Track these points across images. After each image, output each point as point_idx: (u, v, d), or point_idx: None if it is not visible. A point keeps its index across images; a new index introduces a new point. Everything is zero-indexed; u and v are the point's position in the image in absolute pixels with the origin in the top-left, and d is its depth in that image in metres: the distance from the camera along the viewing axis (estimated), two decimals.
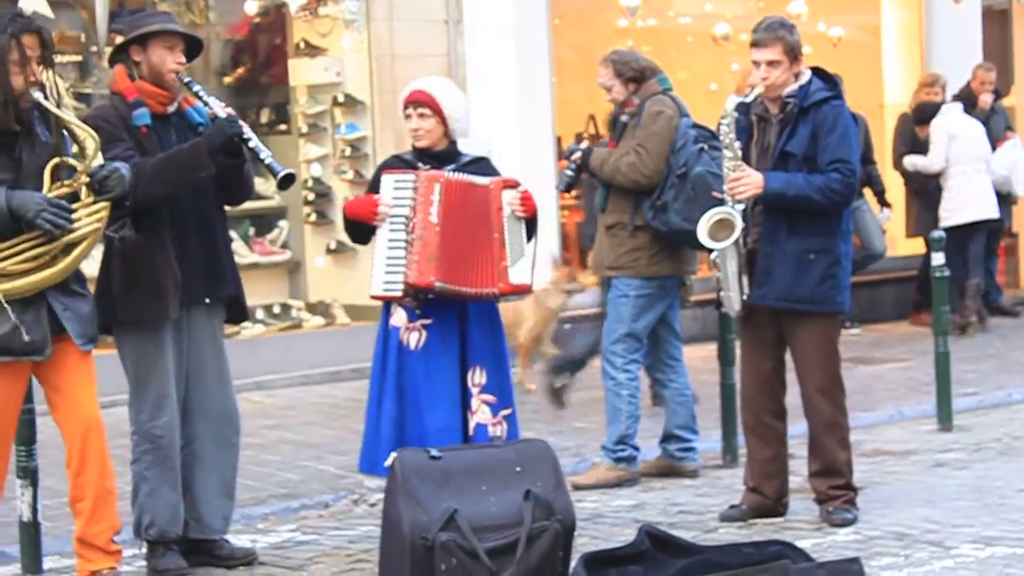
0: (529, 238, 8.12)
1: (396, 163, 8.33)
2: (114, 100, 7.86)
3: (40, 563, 7.97)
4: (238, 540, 8.15)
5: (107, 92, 8.63)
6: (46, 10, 7.86)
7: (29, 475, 7.91)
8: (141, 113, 7.71)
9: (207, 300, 7.85)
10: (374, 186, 8.26)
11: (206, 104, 7.77)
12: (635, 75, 9.52)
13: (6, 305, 7.13)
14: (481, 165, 8.30)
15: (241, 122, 7.71)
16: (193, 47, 8.02)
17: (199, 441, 7.87)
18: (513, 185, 8.15)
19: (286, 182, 7.71)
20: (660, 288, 9.50)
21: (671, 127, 9.30)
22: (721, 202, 8.39)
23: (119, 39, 8.48)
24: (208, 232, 7.79)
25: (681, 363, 9.76)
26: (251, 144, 7.69)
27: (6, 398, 7.33)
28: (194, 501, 7.89)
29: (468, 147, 8.70)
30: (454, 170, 8.10)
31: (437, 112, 8.13)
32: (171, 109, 7.80)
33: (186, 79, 7.77)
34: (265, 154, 7.70)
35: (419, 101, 8.14)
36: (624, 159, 9.34)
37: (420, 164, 8.14)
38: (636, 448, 9.54)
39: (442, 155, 8.17)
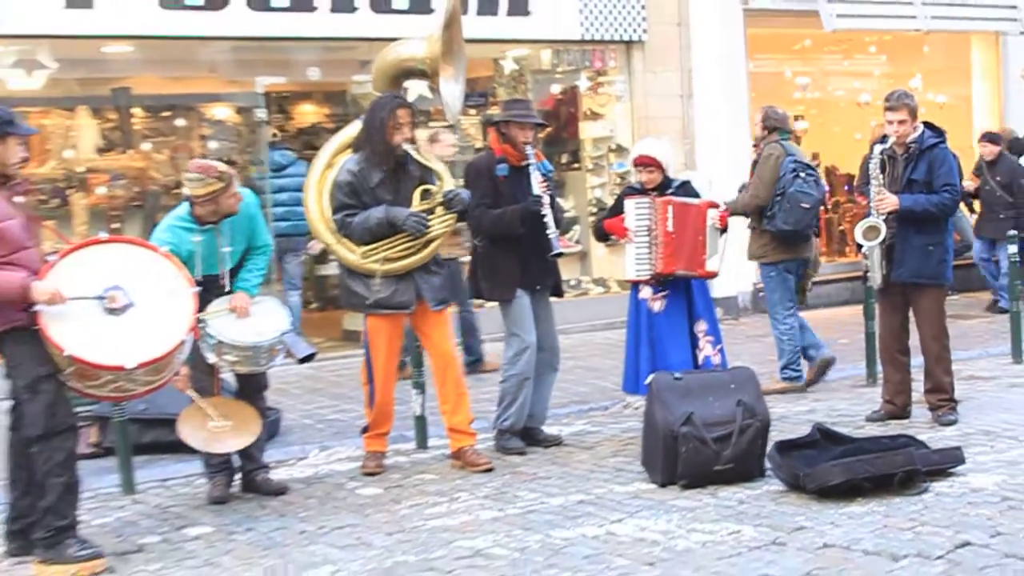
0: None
1: (632, 191, 8.41)
2: (488, 154, 8.00)
3: (426, 442, 8.24)
4: (549, 430, 8.26)
5: (463, 144, 8.74)
6: (426, 91, 8.11)
7: (419, 386, 8.17)
8: (503, 167, 7.84)
9: (538, 287, 7.97)
10: (618, 204, 8.35)
11: (540, 172, 7.79)
12: (769, 127, 9.56)
13: (379, 280, 7.46)
14: (686, 188, 8.32)
15: (543, 201, 7.68)
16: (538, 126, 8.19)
17: (538, 365, 7.96)
18: (715, 206, 8.23)
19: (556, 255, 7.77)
20: (785, 268, 9.47)
21: (776, 164, 9.29)
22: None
23: (488, 111, 8.48)
24: (539, 243, 7.76)
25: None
26: (545, 220, 7.69)
27: (391, 337, 7.59)
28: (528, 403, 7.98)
29: (694, 178, 8.79)
30: (671, 194, 8.18)
31: (657, 166, 8.25)
32: (523, 164, 7.83)
33: (529, 151, 7.79)
34: (551, 231, 7.69)
35: (644, 163, 8.25)
36: (747, 194, 9.39)
37: (649, 192, 8.23)
38: (797, 370, 9.53)
39: (660, 186, 8.25)
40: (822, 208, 12.08)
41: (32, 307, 5.88)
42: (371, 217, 7.38)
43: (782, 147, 9.39)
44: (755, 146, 9.62)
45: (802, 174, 9.24)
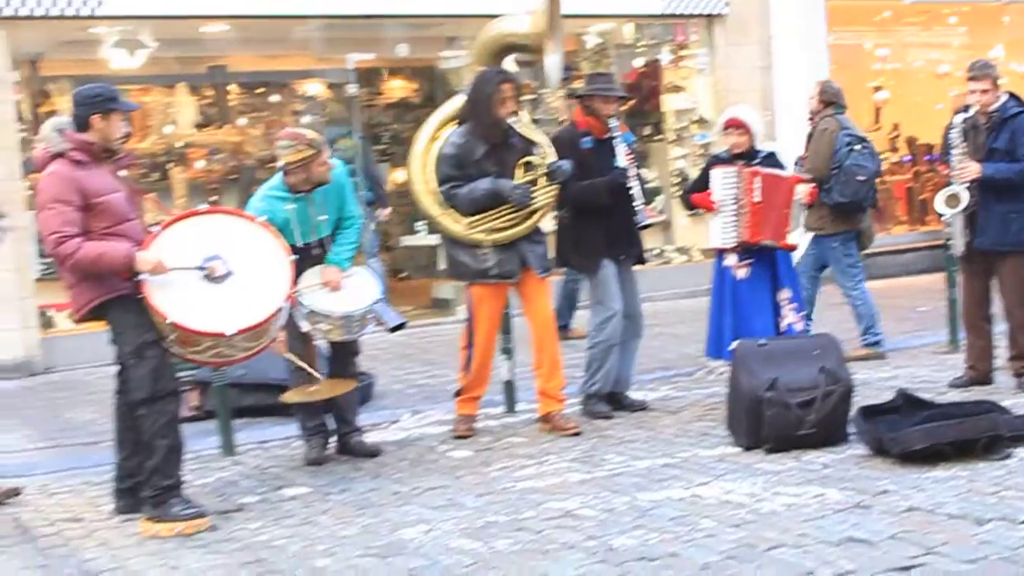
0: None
1: (717, 160, 8.29)
2: (571, 127, 7.94)
3: (515, 406, 8.21)
4: (635, 395, 8.21)
5: (546, 118, 8.70)
6: (512, 66, 8.08)
7: (508, 352, 8.15)
8: (587, 140, 7.76)
9: (622, 257, 7.89)
10: (705, 174, 8.21)
11: (625, 144, 7.75)
12: (825, 100, 9.40)
13: (487, 250, 7.46)
14: (772, 159, 8.19)
15: (629, 173, 7.65)
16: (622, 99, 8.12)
17: (623, 332, 7.89)
18: (804, 182, 8.13)
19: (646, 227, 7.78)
20: (844, 238, 9.37)
21: (832, 138, 9.15)
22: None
23: (572, 84, 8.51)
24: (624, 214, 7.73)
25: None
26: (631, 191, 7.66)
27: (494, 305, 7.60)
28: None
29: (774, 148, 8.66)
30: (757, 164, 8.04)
31: (746, 130, 8.15)
32: (607, 136, 7.76)
33: (613, 124, 7.75)
34: (638, 202, 7.65)
35: (734, 125, 8.11)
36: (803, 168, 9.18)
37: (736, 161, 8.09)
38: (877, 334, 9.37)
39: (746, 155, 8.11)
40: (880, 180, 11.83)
41: (136, 276, 5.92)
42: (477, 189, 7.36)
43: (837, 121, 9.28)
44: (810, 119, 9.49)
45: (857, 147, 9.13)
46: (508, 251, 7.50)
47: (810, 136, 9.42)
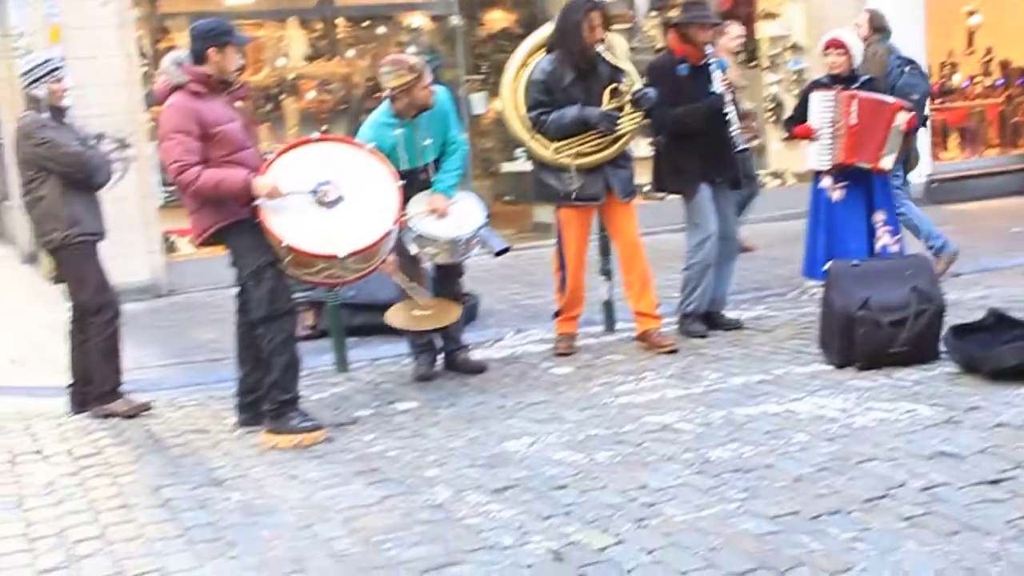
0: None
1: (817, 85, 8.19)
2: (668, 54, 7.84)
3: (614, 325, 8.25)
4: (730, 314, 8.19)
5: (642, 46, 8.60)
6: None
7: (607, 273, 8.15)
8: (683, 67, 7.68)
9: (718, 180, 7.78)
10: (804, 100, 8.13)
11: (720, 70, 7.71)
12: (874, 27, 9.22)
13: (573, 173, 7.44)
14: (871, 84, 8.08)
15: (726, 99, 7.58)
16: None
17: (719, 254, 7.85)
18: (905, 109, 7.98)
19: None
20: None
21: (884, 61, 9.01)
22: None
23: (668, 13, 8.45)
24: (720, 138, 7.68)
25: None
26: (727, 117, 7.61)
27: (581, 227, 7.60)
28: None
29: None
30: (856, 88, 7.94)
31: (846, 51, 8.03)
32: (703, 62, 7.68)
33: (709, 50, 7.68)
34: (734, 127, 7.58)
35: (836, 45, 8.01)
36: None
37: (834, 85, 8.01)
38: (938, 236, 9.27)
39: (846, 78, 8.01)
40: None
41: (253, 202, 6.02)
42: (566, 115, 7.35)
43: (886, 46, 9.18)
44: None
45: (907, 68, 9.04)
46: (593, 175, 7.50)
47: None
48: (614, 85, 7.41)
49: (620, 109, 7.41)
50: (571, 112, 7.35)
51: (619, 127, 7.40)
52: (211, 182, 5.96)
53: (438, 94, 7.08)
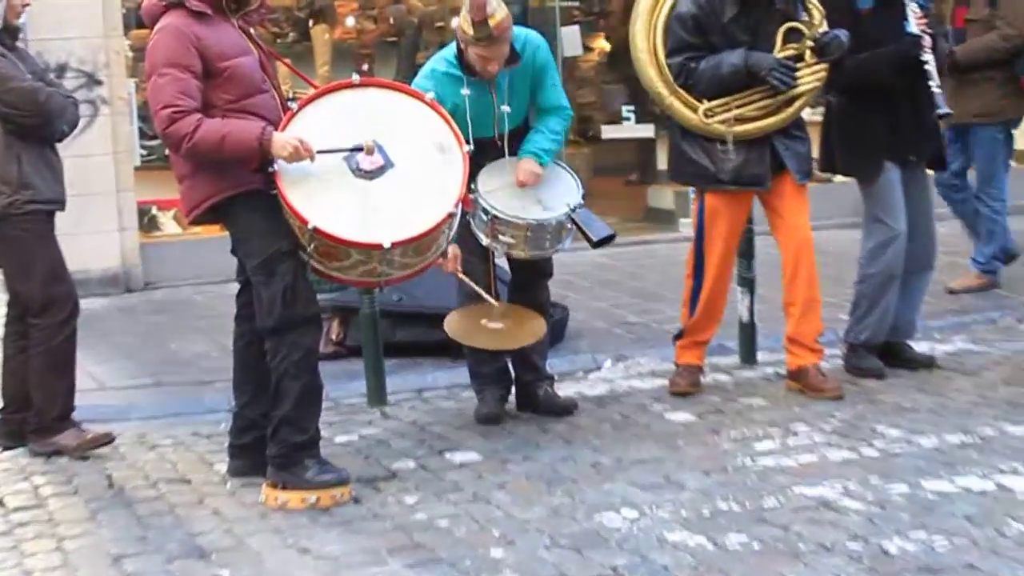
0: None
1: None
2: None
3: (754, 356, 8.22)
4: (918, 347, 8.13)
5: None
6: None
7: (748, 284, 8.13)
8: None
9: (912, 158, 7.72)
10: None
11: (918, 4, 7.60)
12: None
13: (730, 146, 7.44)
14: None
15: (923, 43, 7.51)
16: None
17: (905, 262, 7.74)
18: None
19: None
20: (1007, 127, 9.78)
21: None
22: None
23: None
24: (915, 98, 7.60)
25: None
26: (925, 67, 7.50)
27: (733, 220, 7.60)
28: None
29: None
30: None
31: None
32: None
33: None
34: (933, 82, 7.48)
35: None
36: (994, 35, 9.47)
37: None
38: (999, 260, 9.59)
39: None
40: None
41: (270, 166, 5.99)
42: (724, 63, 7.33)
43: None
44: None
45: None
46: (757, 148, 7.46)
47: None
48: (791, 24, 7.39)
49: (799, 58, 7.39)
50: (732, 59, 7.33)
51: (797, 82, 7.36)
52: (214, 136, 5.94)
53: (526, 42, 7.06)
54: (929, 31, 7.60)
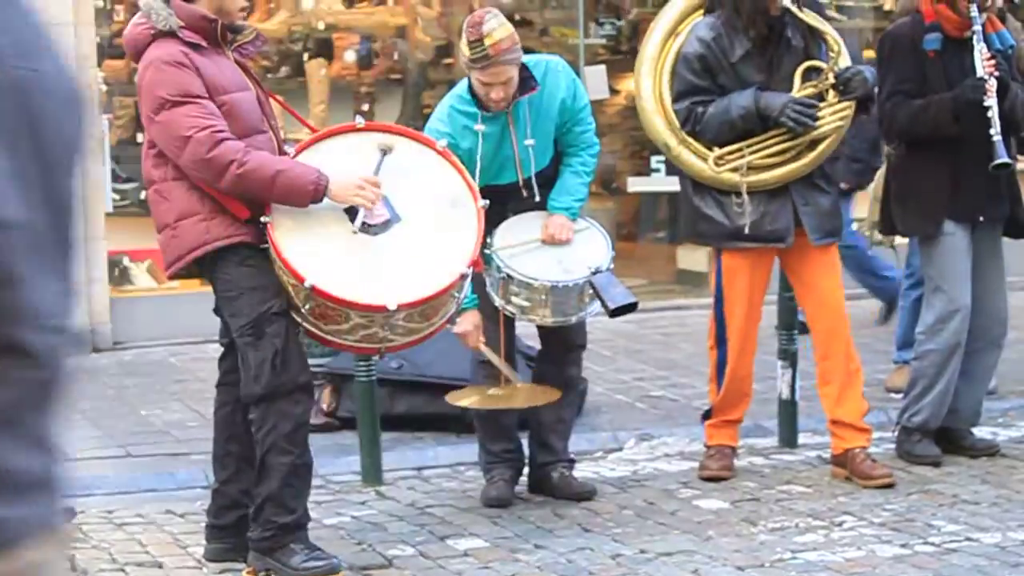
0: None
1: None
2: (914, 18, 7.80)
3: (796, 438, 8.19)
4: (980, 432, 8.10)
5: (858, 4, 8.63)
6: None
7: (789, 357, 8.08)
8: (933, 38, 7.63)
9: (980, 219, 7.70)
10: None
11: (984, 45, 7.51)
12: None
13: (744, 198, 7.39)
14: None
15: (987, 87, 7.40)
16: None
17: (970, 337, 7.72)
18: None
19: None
20: None
21: None
22: None
23: None
24: (982, 150, 7.45)
25: None
26: (988, 114, 7.39)
27: (751, 283, 7.57)
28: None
29: None
30: None
31: None
32: (967, 34, 7.55)
33: (976, 15, 7.47)
34: (994, 129, 7.34)
35: None
36: None
37: None
38: None
39: None
40: None
41: (262, 218, 6.02)
42: (733, 105, 7.35)
43: None
44: None
45: None
46: (776, 200, 7.47)
47: None
48: (810, 63, 7.40)
49: (820, 97, 7.39)
50: (741, 101, 7.35)
51: (817, 125, 7.36)
52: (267, 170, 5.96)
53: (548, 69, 7.09)
54: (997, 74, 7.59)
